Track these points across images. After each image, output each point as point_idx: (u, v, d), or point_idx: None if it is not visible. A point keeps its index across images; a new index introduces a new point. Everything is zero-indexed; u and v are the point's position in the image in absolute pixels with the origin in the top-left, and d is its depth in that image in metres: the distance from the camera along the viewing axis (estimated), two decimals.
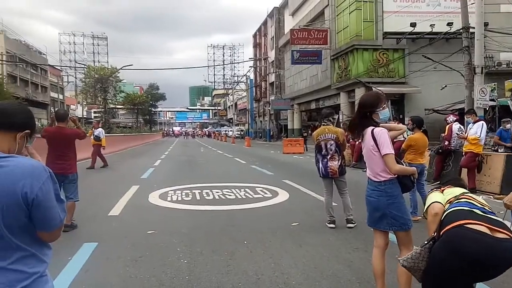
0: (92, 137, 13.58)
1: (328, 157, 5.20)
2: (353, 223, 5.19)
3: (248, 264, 3.82)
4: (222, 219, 5.68)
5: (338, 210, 5.52)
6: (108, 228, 5.19)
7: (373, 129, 2.81)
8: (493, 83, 14.78)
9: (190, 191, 8.06)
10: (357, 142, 13.32)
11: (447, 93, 19.90)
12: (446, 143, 8.78)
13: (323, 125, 5.40)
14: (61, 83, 62.63)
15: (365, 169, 12.43)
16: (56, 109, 5.86)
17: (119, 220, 5.64)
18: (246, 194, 7.72)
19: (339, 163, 5.18)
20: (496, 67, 21.05)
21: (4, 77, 34.12)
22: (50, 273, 3.51)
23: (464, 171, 8.24)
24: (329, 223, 5.22)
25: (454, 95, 19.18)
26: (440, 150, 8.90)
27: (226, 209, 6.39)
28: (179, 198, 7.26)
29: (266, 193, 7.77)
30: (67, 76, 65.75)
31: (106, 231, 5.04)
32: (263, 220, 5.61)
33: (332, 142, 5.21)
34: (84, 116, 66.45)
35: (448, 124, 8.84)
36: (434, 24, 22.09)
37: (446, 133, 8.79)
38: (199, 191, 8.06)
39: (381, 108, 2.87)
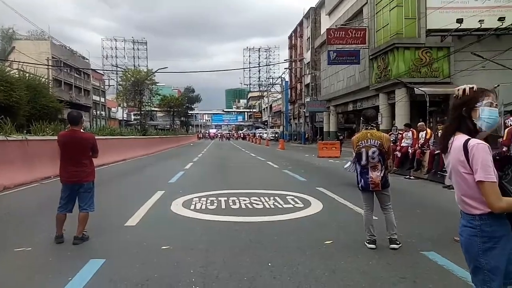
0: None
1: (369, 166, 4.47)
2: (397, 244, 4.43)
3: None
4: (246, 233, 5.09)
5: (378, 225, 4.77)
6: (120, 241, 4.74)
7: (468, 139, 1.91)
8: None
9: (216, 198, 7.55)
10: (398, 147, 12.33)
11: (498, 94, 18.28)
12: (505, 149, 7.71)
13: (366, 129, 4.63)
14: (102, 86, 64.90)
15: (407, 176, 11.27)
16: (69, 111, 5.62)
17: (134, 231, 5.19)
18: (276, 203, 7.08)
19: (381, 174, 4.43)
20: None
21: (50, 81, 35.59)
22: None
23: None
24: (368, 243, 4.49)
25: (506, 95, 17.56)
26: (497, 157, 7.82)
27: (252, 220, 5.79)
28: (203, 207, 6.75)
29: (298, 203, 7.10)
30: (109, 79, 68.10)
31: (117, 245, 4.59)
32: (292, 236, 4.96)
33: (375, 149, 4.45)
34: (124, 118, 68.57)
35: (507, 127, 7.78)
36: (483, 20, 20.46)
37: (505, 138, 7.72)
38: (226, 198, 7.52)
39: (482, 103, 1.94)
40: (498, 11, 20.51)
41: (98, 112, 60.39)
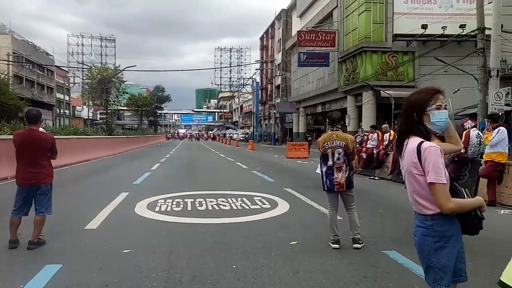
0: None
1: (335, 167, 4.53)
2: (360, 243, 4.51)
3: None
4: (211, 235, 5.02)
5: (342, 225, 4.84)
6: (79, 245, 4.55)
7: (421, 142, 1.96)
8: (507, 87, 13.99)
9: (182, 200, 7.42)
10: (364, 148, 12.61)
11: (458, 98, 19.10)
12: (463, 150, 8.05)
13: (332, 130, 4.67)
14: (67, 84, 62.57)
15: (372, 177, 11.52)
16: (28, 109, 5.29)
17: (94, 235, 4.99)
18: (243, 204, 7.05)
19: (346, 175, 4.49)
20: (510, 71, 20.21)
21: (10, 77, 33.89)
22: None
23: (483, 182, 7.53)
24: (333, 243, 4.54)
25: (466, 99, 18.41)
26: (455, 158, 8.17)
27: (218, 222, 5.73)
28: (168, 209, 6.61)
29: (265, 204, 7.10)
30: (74, 77, 65.73)
31: (76, 248, 4.40)
32: (258, 237, 4.94)
33: (341, 150, 4.51)
34: (90, 117, 66.42)
35: (465, 130, 8.12)
36: (446, 26, 21.32)
37: (462, 140, 8.06)
38: (192, 200, 7.41)
39: (432, 107, 1.99)
40: (459, 18, 21.42)
41: (62, 111, 58.16)
